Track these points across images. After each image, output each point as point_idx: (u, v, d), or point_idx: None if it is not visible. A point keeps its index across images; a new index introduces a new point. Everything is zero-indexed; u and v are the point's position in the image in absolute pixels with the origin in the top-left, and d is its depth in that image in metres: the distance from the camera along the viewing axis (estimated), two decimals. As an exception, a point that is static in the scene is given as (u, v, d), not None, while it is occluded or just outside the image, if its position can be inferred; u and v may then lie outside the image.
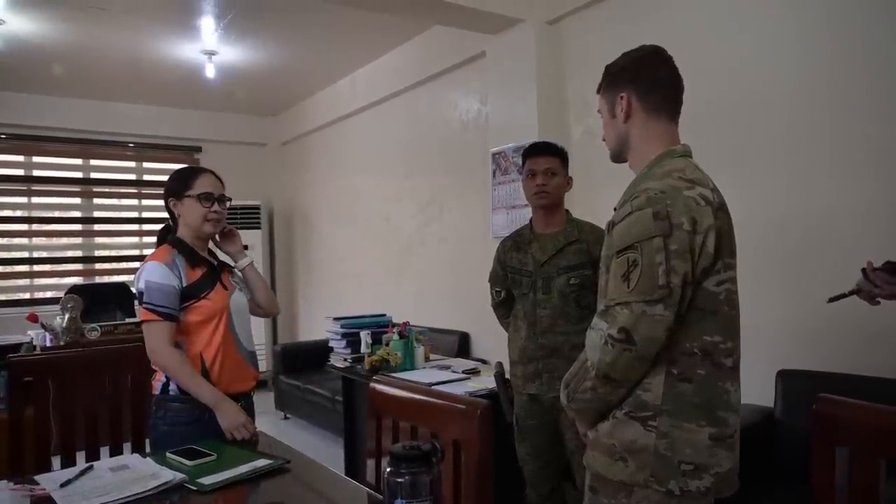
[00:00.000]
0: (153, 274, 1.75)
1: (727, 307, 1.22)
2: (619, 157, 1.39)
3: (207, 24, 4.02)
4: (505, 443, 2.28)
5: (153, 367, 1.81)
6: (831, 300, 1.65)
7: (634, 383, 1.21)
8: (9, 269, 5.62)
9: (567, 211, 2.29)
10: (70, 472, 1.45)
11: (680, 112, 1.36)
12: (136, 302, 1.77)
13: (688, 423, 1.18)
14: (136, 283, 1.78)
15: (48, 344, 3.37)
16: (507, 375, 2.31)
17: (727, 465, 1.21)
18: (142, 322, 1.77)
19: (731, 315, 1.23)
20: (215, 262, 1.91)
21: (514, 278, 2.28)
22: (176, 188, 1.86)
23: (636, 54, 1.36)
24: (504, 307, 2.39)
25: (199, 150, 6.24)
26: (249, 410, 1.89)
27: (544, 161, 2.20)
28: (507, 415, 2.28)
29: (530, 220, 2.32)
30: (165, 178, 1.93)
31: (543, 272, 2.18)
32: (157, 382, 1.81)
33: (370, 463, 1.57)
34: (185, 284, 1.77)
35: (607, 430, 1.24)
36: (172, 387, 1.78)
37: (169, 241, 1.85)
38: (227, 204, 1.92)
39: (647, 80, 1.32)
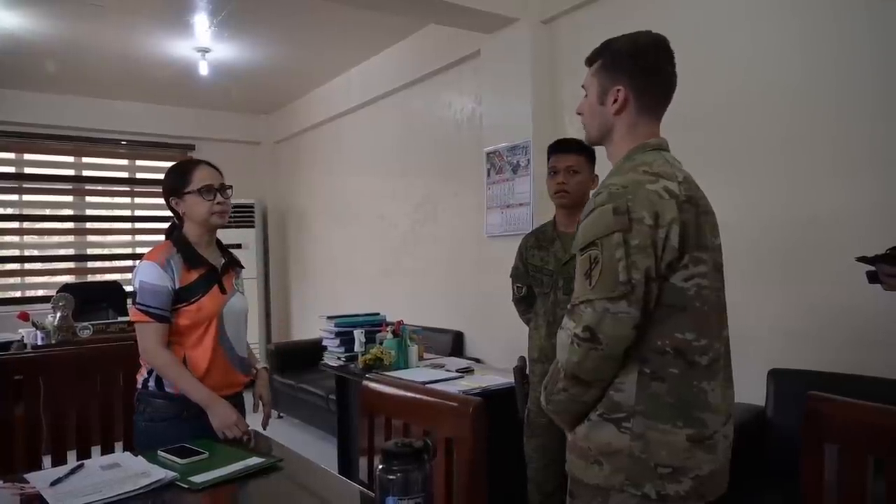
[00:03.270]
0: (146, 274, 1.73)
1: (698, 303, 1.17)
2: (597, 142, 1.35)
3: (201, 21, 4.00)
4: (514, 439, 2.28)
5: (145, 366, 1.80)
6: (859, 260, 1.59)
7: (607, 383, 1.18)
8: (0, 267, 5.58)
9: None
10: (61, 471, 1.44)
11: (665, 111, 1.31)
12: (132, 300, 1.76)
13: (663, 423, 1.14)
14: (133, 282, 1.78)
15: (39, 343, 3.34)
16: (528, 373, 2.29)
17: (707, 467, 1.16)
18: (134, 322, 1.76)
19: (703, 311, 1.17)
20: (222, 260, 1.88)
21: (535, 277, 2.25)
22: (175, 186, 1.83)
23: (642, 42, 1.27)
24: (525, 303, 2.38)
25: (192, 148, 6.21)
26: (239, 409, 1.87)
27: (567, 158, 2.15)
28: (520, 410, 2.27)
29: (553, 218, 2.30)
30: (158, 176, 1.91)
31: (565, 272, 2.13)
32: (140, 377, 1.80)
33: (363, 461, 1.56)
34: (177, 286, 1.75)
35: (583, 433, 1.22)
36: (151, 383, 1.77)
37: (171, 238, 1.83)
38: (230, 193, 1.87)
39: (647, 77, 1.25)
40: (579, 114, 1.36)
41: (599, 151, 1.41)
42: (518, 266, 2.37)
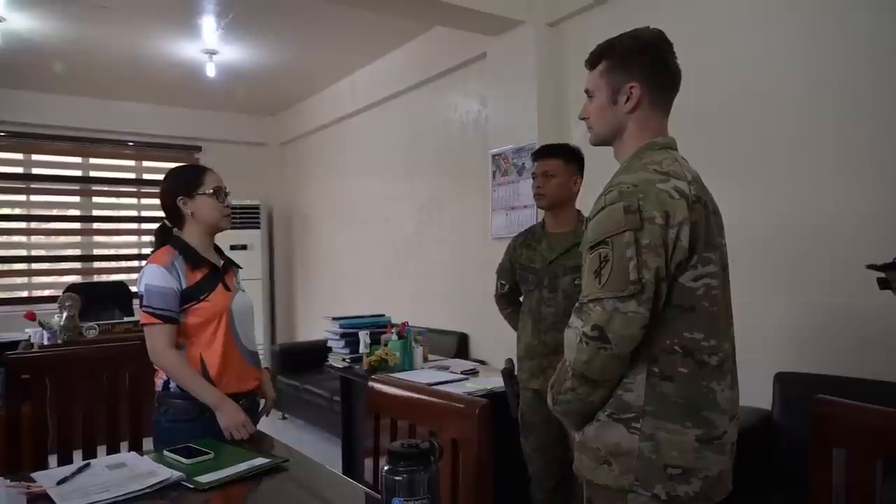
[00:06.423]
0: (152, 277, 1.76)
1: (707, 303, 1.17)
2: (604, 142, 1.33)
3: (208, 23, 4.02)
4: (511, 439, 2.30)
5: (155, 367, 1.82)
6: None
7: (615, 383, 1.18)
8: (7, 267, 5.61)
9: (579, 212, 2.32)
10: (67, 470, 1.45)
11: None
12: (139, 304, 1.79)
13: (672, 423, 1.15)
14: (138, 286, 1.80)
15: (46, 342, 3.36)
16: (517, 372, 2.32)
17: (716, 468, 1.17)
18: (143, 325, 1.78)
19: (712, 311, 1.18)
20: (222, 261, 1.92)
21: (522, 275, 2.33)
22: (185, 186, 1.86)
23: (647, 38, 1.27)
24: (505, 300, 2.46)
25: (198, 149, 6.23)
26: (253, 409, 1.89)
27: (542, 164, 2.26)
28: (512, 411, 2.31)
29: (543, 219, 2.37)
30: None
31: (550, 271, 2.22)
32: (160, 380, 1.82)
33: (368, 462, 1.56)
34: (184, 286, 1.78)
35: (592, 434, 1.22)
36: (173, 384, 1.79)
37: (171, 242, 1.85)
38: (230, 200, 1.93)
39: (658, 72, 1.26)
40: (583, 118, 1.34)
41: (601, 153, 1.38)
42: (505, 263, 2.44)
